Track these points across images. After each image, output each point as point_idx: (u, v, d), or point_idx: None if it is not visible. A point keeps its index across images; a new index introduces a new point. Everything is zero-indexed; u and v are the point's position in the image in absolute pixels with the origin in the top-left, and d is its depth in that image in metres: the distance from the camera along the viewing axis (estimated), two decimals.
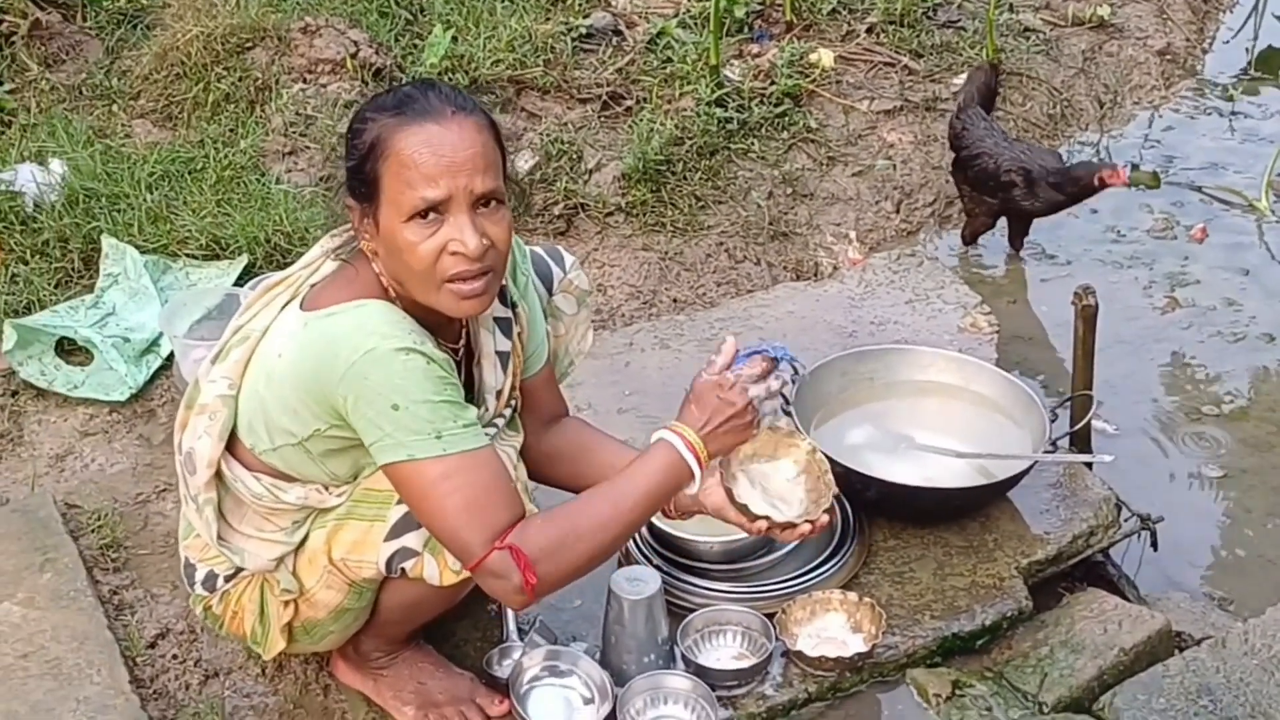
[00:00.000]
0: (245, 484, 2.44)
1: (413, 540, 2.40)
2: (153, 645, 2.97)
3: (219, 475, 2.45)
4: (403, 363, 2.23)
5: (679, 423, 2.46)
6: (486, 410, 2.52)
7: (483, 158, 2.29)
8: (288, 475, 2.43)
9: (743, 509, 2.53)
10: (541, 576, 2.27)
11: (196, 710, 2.81)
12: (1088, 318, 3.29)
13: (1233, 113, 5.48)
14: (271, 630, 2.57)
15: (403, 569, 2.44)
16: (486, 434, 2.40)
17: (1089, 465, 3.26)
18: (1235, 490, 3.67)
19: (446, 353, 2.36)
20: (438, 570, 2.42)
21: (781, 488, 2.59)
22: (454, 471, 2.25)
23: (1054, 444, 3.11)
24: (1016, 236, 4.55)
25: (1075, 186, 4.31)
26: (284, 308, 2.41)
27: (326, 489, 2.44)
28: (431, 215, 2.26)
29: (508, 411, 2.58)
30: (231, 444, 2.44)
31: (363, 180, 2.30)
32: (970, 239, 4.56)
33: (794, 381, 2.61)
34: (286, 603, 2.54)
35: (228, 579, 2.57)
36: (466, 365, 2.52)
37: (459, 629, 2.87)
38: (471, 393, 2.51)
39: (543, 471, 2.76)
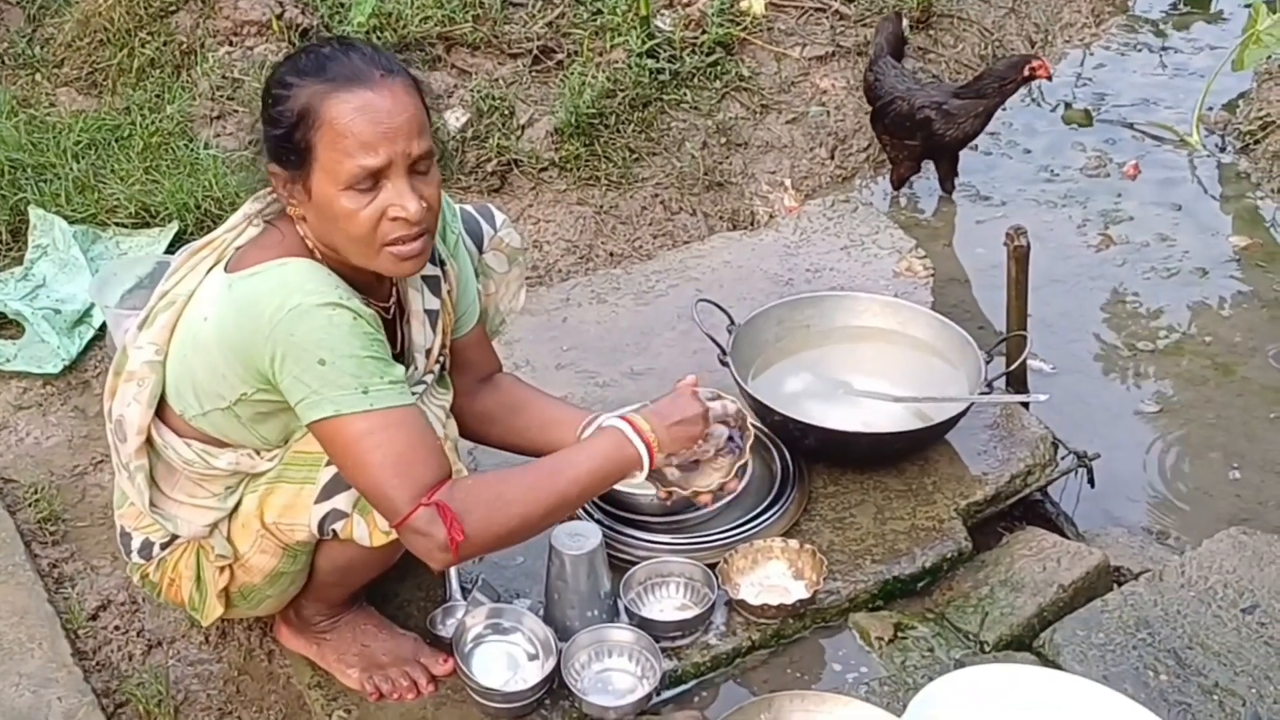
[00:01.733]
0: (176, 450, 2.42)
1: (342, 502, 2.40)
2: (94, 617, 2.96)
3: (150, 442, 2.43)
4: (328, 317, 2.21)
5: (636, 414, 2.48)
6: (416, 369, 2.50)
7: (416, 121, 2.27)
8: (218, 440, 2.41)
9: (657, 476, 2.57)
10: (468, 535, 2.25)
11: (140, 680, 2.80)
12: (1020, 258, 3.31)
13: (1163, 48, 5.52)
14: (208, 596, 2.56)
15: (334, 530, 2.43)
16: (415, 392, 2.40)
17: (1025, 405, 3.28)
18: (1172, 425, 3.70)
19: (375, 310, 2.35)
20: (367, 531, 2.41)
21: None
22: (379, 428, 2.23)
23: (990, 385, 3.12)
24: (946, 177, 4.57)
25: (999, 82, 4.34)
26: (209, 271, 2.38)
27: (257, 453, 2.42)
28: (368, 182, 2.25)
29: (436, 369, 2.57)
30: (161, 410, 2.42)
31: (291, 149, 2.26)
32: (898, 184, 4.58)
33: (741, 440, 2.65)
34: (222, 568, 2.52)
35: (163, 546, 2.55)
36: (396, 324, 2.50)
37: (402, 590, 2.86)
38: (401, 351, 2.50)
39: (478, 430, 2.75)
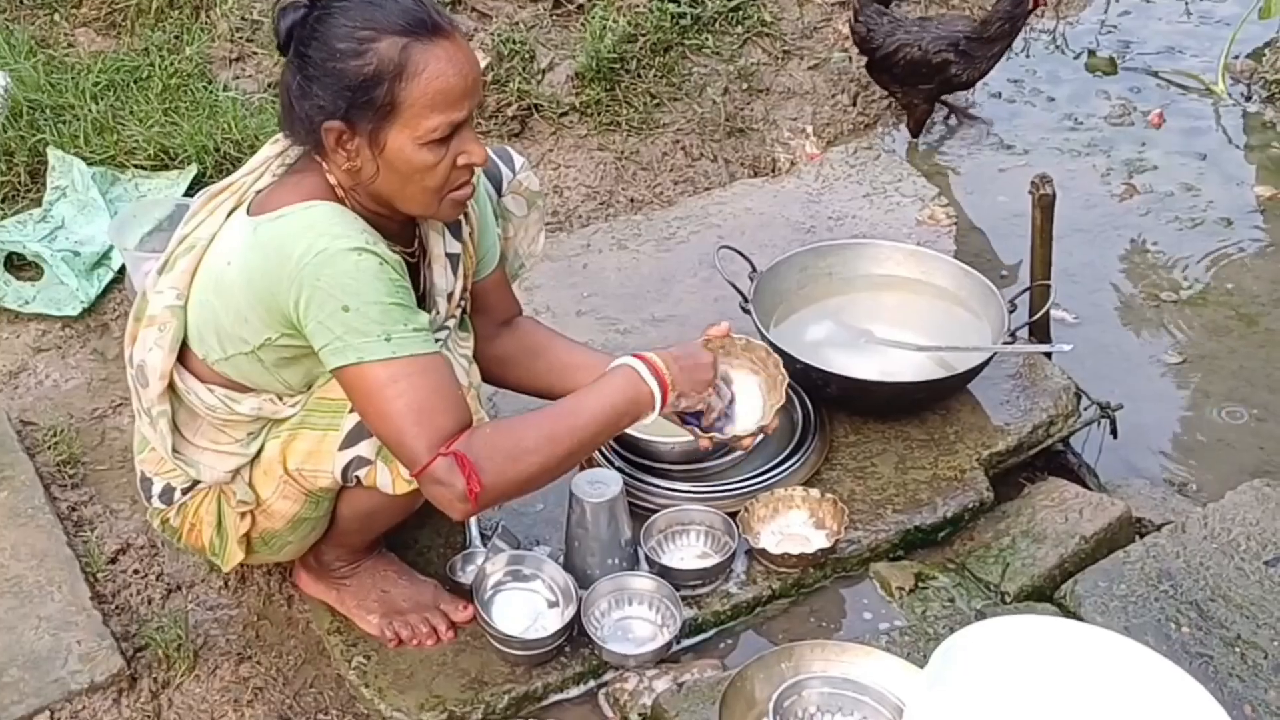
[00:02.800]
0: (199, 396, 2.41)
1: (366, 449, 2.39)
2: (113, 560, 2.96)
3: (172, 388, 2.42)
4: (354, 263, 2.20)
5: (649, 353, 2.46)
6: (438, 314, 2.49)
7: (480, 73, 2.30)
8: (241, 385, 2.40)
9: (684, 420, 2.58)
10: (486, 486, 2.23)
11: (160, 624, 2.80)
12: (1045, 206, 3.28)
13: None
14: (229, 542, 2.56)
15: (357, 478, 2.42)
16: (438, 337, 2.39)
17: (1048, 355, 3.26)
18: (1194, 376, 3.68)
19: (399, 255, 2.33)
20: (390, 478, 2.41)
21: (739, 400, 2.63)
22: (401, 375, 2.22)
23: (1013, 334, 3.10)
24: (958, 111, 4.54)
25: (1009, 20, 4.34)
26: (230, 214, 2.37)
27: (280, 399, 2.42)
28: (448, 133, 2.26)
29: (458, 314, 2.56)
30: (183, 355, 2.41)
31: (370, 103, 2.22)
32: (916, 130, 4.54)
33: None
34: (243, 514, 2.52)
35: (184, 492, 2.55)
36: (419, 268, 2.49)
37: (421, 536, 2.86)
38: (422, 296, 2.48)
39: (497, 374, 2.75)
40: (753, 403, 2.64)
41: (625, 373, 2.44)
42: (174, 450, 2.46)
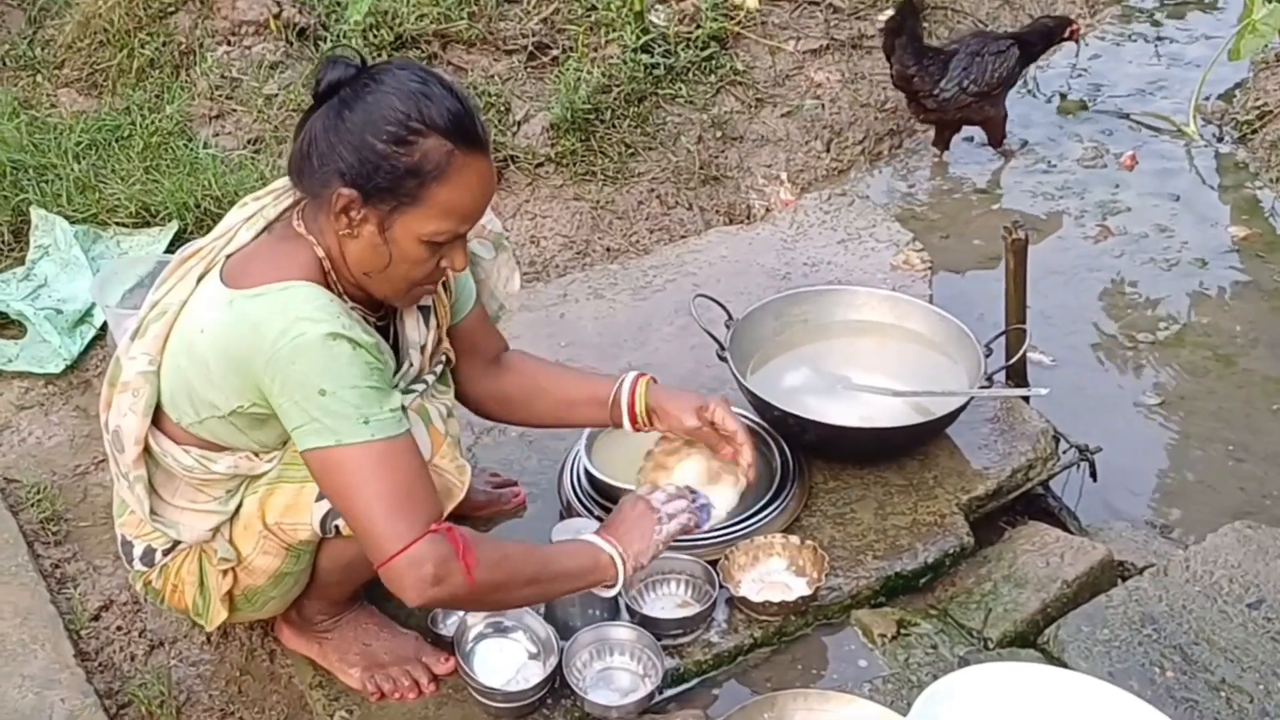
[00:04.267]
0: (175, 458, 2.42)
1: None
2: (97, 617, 2.97)
3: (148, 451, 2.43)
4: (330, 349, 2.21)
5: (622, 543, 2.51)
6: (411, 366, 2.50)
7: None
8: (216, 445, 2.41)
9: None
10: (476, 577, 2.27)
11: (143, 681, 2.81)
12: (1018, 251, 3.30)
13: (1158, 38, 5.53)
14: (212, 601, 2.56)
15: (336, 527, 2.43)
16: (414, 389, 2.43)
17: (1026, 398, 3.27)
18: (1173, 417, 3.70)
19: (373, 324, 2.37)
20: None
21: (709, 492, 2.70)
22: (380, 458, 2.24)
23: (990, 378, 3.12)
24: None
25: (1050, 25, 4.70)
26: (200, 279, 2.38)
27: (256, 455, 2.42)
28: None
29: (438, 368, 2.57)
30: (158, 418, 2.42)
31: (395, 190, 2.24)
32: (999, 140, 4.78)
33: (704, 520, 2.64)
34: (225, 572, 2.52)
35: (165, 553, 2.55)
36: (390, 323, 2.50)
37: None
38: (396, 350, 2.49)
39: (500, 414, 2.79)
40: (723, 493, 2.68)
41: (586, 550, 2.48)
42: (152, 512, 2.47)
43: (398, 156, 2.22)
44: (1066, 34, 4.63)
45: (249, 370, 2.24)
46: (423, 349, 2.52)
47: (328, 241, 2.33)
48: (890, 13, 4.67)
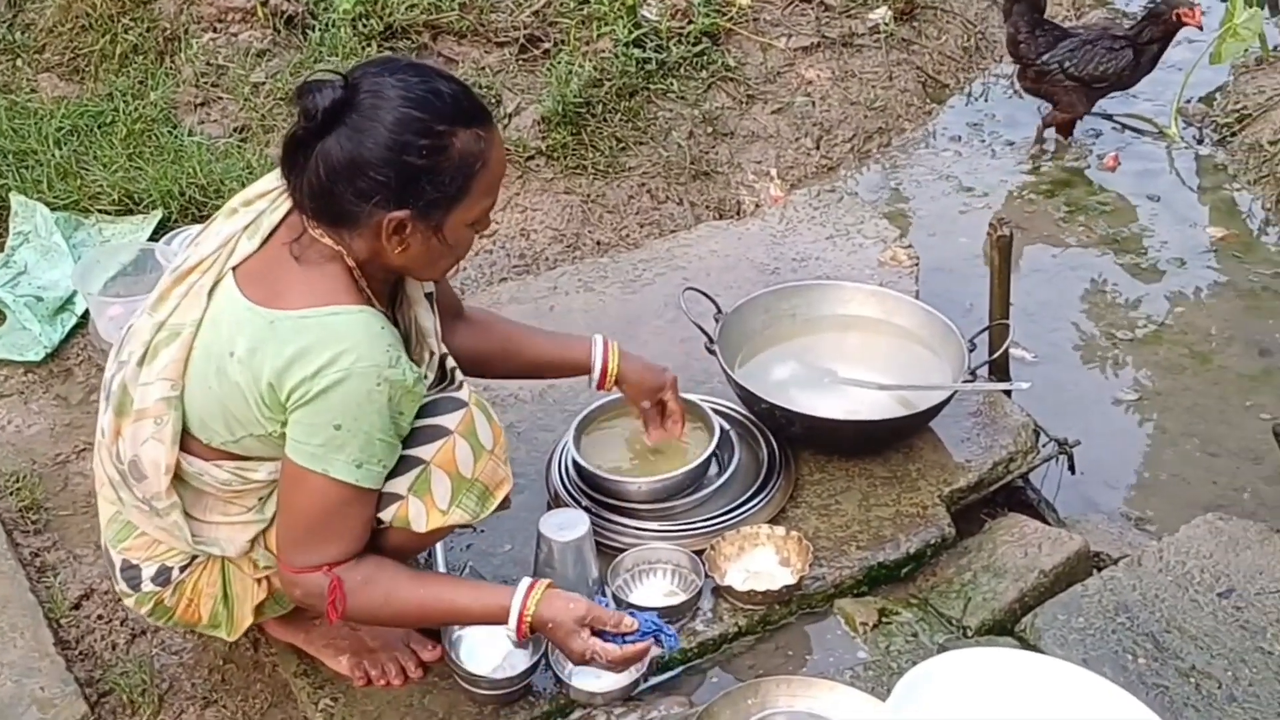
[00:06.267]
0: (210, 475, 2.37)
1: (398, 485, 2.38)
2: (77, 606, 2.95)
3: (177, 474, 2.38)
4: (368, 392, 2.22)
5: (540, 598, 2.43)
6: (433, 355, 2.49)
7: None
8: (252, 457, 2.38)
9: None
10: (343, 613, 2.37)
11: (124, 670, 2.80)
12: (1002, 248, 3.33)
13: None
14: (239, 608, 2.54)
15: (379, 519, 2.40)
16: (458, 380, 2.51)
17: (1008, 393, 3.30)
18: (1151, 412, 3.74)
19: (416, 363, 2.39)
20: (424, 510, 2.39)
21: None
22: (346, 500, 2.29)
23: (973, 373, 3.13)
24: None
25: (1159, 25, 4.65)
26: (210, 295, 2.33)
27: None
28: None
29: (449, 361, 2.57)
30: (182, 440, 2.36)
31: (445, 192, 2.25)
32: (1068, 130, 4.85)
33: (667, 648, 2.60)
34: (259, 580, 2.51)
35: (183, 569, 2.50)
36: (401, 316, 2.50)
37: None
38: (410, 342, 2.48)
39: (477, 372, 2.78)
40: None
41: (502, 599, 2.44)
42: (193, 535, 2.43)
43: (440, 163, 2.23)
44: (1175, 19, 4.57)
45: (282, 385, 2.22)
46: (436, 334, 2.52)
47: (356, 249, 2.30)
48: None
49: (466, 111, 2.26)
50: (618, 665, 2.48)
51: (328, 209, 2.26)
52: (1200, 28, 4.64)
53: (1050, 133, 4.87)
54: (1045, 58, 4.68)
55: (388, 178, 2.21)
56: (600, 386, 2.89)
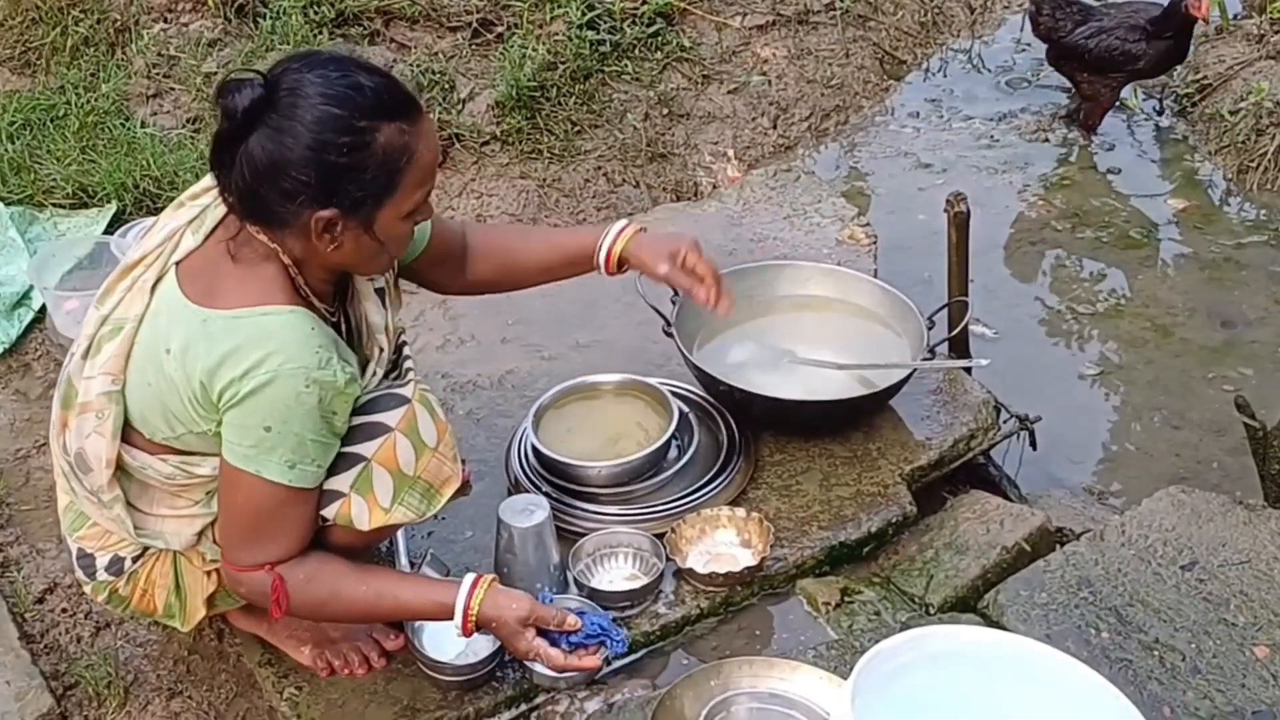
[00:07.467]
0: (154, 469, 2.37)
1: (339, 483, 2.37)
2: (41, 600, 2.95)
3: (120, 466, 2.38)
4: (299, 397, 2.21)
5: (483, 597, 2.45)
6: (382, 351, 2.48)
7: None
8: (194, 452, 2.37)
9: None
10: (285, 610, 2.39)
11: (90, 662, 2.80)
12: (960, 224, 3.33)
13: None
14: (191, 600, 2.54)
15: (322, 517, 2.40)
16: (411, 375, 2.49)
17: (968, 370, 3.30)
18: (1112, 387, 3.76)
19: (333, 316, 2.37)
20: (366, 509, 2.39)
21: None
22: (281, 500, 2.29)
23: (932, 350, 3.14)
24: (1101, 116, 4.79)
25: (1174, 19, 4.56)
26: (153, 290, 2.32)
27: None
28: None
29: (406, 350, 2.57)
30: (125, 433, 2.36)
31: (371, 188, 2.21)
32: (1094, 125, 4.79)
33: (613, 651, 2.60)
34: (209, 572, 2.51)
35: (135, 559, 2.50)
36: (349, 313, 2.49)
37: None
38: (359, 337, 2.47)
39: (483, 292, 2.88)
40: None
41: (447, 595, 2.44)
42: (136, 528, 2.43)
43: (363, 161, 2.19)
44: (1185, 10, 4.51)
45: (213, 385, 2.21)
46: (386, 330, 2.51)
47: (291, 246, 2.28)
48: None
49: (390, 105, 2.21)
50: (559, 670, 2.52)
51: (257, 209, 2.24)
52: (1207, 21, 4.61)
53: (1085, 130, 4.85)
54: (1066, 36, 4.65)
55: (310, 178, 2.18)
56: (608, 270, 2.76)
